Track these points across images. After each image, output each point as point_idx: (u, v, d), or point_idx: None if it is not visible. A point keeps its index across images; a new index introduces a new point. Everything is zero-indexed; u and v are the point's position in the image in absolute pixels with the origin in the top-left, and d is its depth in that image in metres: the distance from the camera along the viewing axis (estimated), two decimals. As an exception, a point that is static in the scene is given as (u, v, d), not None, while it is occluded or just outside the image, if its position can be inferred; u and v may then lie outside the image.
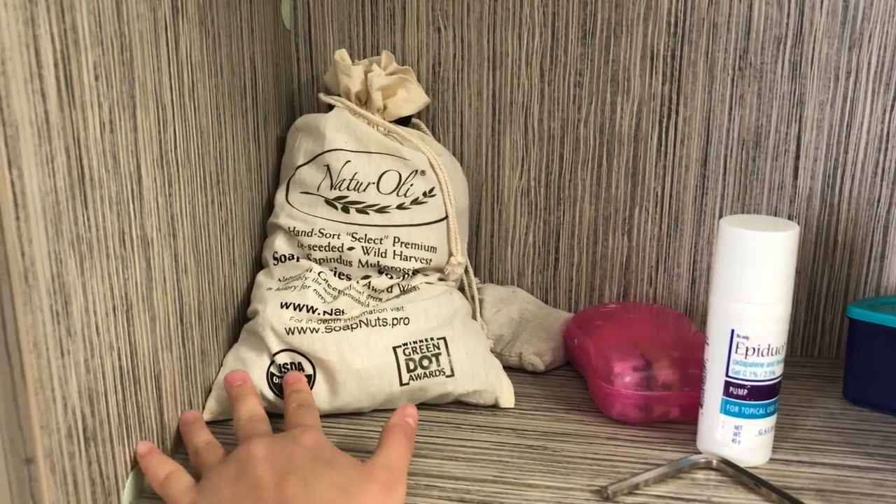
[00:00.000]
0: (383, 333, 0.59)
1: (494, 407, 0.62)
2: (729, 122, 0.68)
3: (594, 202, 0.72)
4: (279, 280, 0.63)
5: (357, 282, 0.63)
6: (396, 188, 0.63)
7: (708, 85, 0.68)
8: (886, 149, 0.67)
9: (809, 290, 0.71)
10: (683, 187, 0.70)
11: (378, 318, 0.59)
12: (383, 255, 0.63)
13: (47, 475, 0.41)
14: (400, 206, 0.63)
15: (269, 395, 0.58)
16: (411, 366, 0.59)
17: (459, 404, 0.62)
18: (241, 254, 0.63)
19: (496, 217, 0.74)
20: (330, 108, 0.66)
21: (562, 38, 0.69)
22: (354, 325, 0.59)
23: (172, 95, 0.52)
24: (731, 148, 0.69)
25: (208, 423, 0.59)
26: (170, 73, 0.51)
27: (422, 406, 0.61)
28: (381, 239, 0.63)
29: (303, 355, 0.58)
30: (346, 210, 0.63)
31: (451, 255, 0.65)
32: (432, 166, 0.64)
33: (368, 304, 0.61)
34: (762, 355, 0.52)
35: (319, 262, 0.63)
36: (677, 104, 0.69)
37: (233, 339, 0.63)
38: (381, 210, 0.63)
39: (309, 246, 0.63)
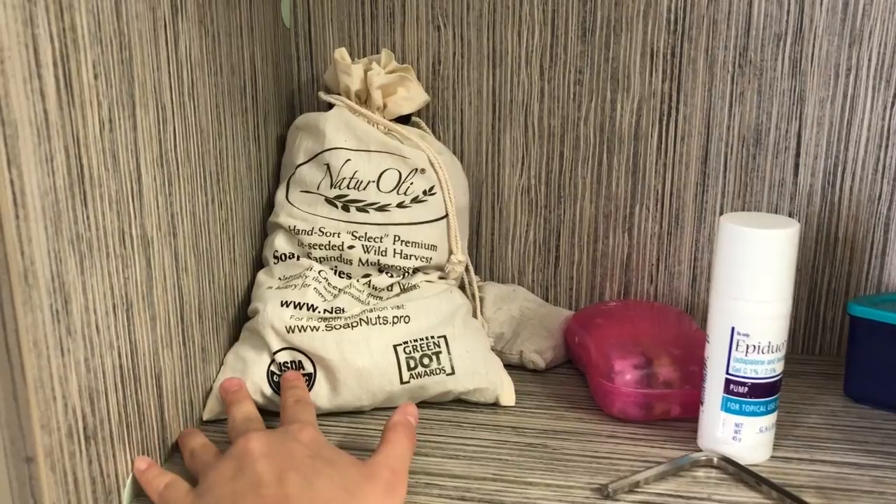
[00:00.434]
0: (384, 332, 0.59)
1: (495, 405, 0.62)
2: (729, 119, 0.68)
3: (594, 200, 0.72)
4: (279, 279, 0.63)
5: (357, 280, 0.63)
6: (396, 186, 0.63)
7: (708, 82, 0.68)
8: (887, 146, 0.67)
9: (810, 287, 0.71)
10: (684, 185, 0.70)
11: (378, 317, 0.59)
12: (383, 253, 0.63)
13: (47, 474, 0.41)
14: (400, 205, 0.63)
15: (270, 393, 0.58)
16: (412, 364, 0.59)
17: (460, 402, 0.62)
18: (241, 252, 0.63)
19: (497, 215, 0.74)
20: (330, 106, 0.66)
21: (561, 36, 0.69)
22: (355, 324, 0.59)
23: (172, 94, 0.52)
24: (731, 145, 0.69)
25: (209, 422, 0.59)
26: (169, 72, 0.51)
27: (422, 404, 0.61)
28: (382, 237, 0.63)
29: (303, 354, 0.58)
30: (346, 209, 0.63)
31: (451, 253, 0.65)
32: (432, 164, 0.64)
33: (369, 303, 0.61)
34: (763, 353, 0.52)
35: (320, 260, 0.63)
36: (677, 102, 0.69)
37: (233, 337, 0.63)
38: (382, 208, 0.63)
39: (309, 244, 0.63)
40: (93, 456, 0.45)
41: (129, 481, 0.49)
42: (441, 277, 0.65)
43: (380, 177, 0.63)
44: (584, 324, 0.66)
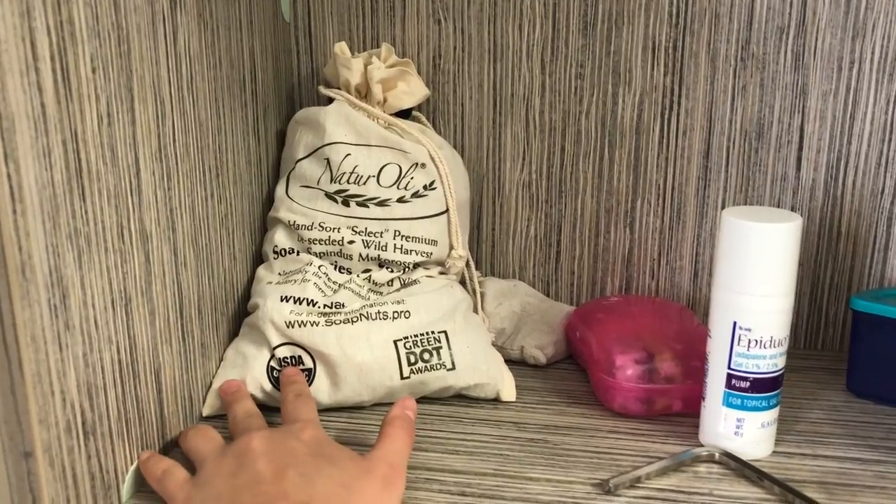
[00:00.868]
0: (384, 327, 0.59)
1: (496, 400, 0.62)
2: (731, 113, 0.68)
3: (596, 195, 0.72)
4: (279, 274, 0.62)
5: (357, 275, 0.63)
6: (397, 181, 0.63)
7: (710, 76, 0.67)
8: (890, 139, 0.66)
9: (813, 281, 0.71)
10: (685, 179, 0.70)
11: (378, 312, 0.59)
12: (384, 248, 0.62)
13: (46, 469, 0.41)
14: (400, 200, 0.63)
15: (270, 388, 0.58)
16: (412, 359, 0.59)
17: (461, 398, 0.62)
18: (241, 248, 0.63)
19: (497, 210, 0.73)
20: (330, 101, 0.65)
21: (563, 30, 0.68)
22: (355, 319, 0.59)
23: (171, 88, 0.51)
24: (733, 139, 0.68)
25: (208, 418, 0.59)
26: (168, 66, 0.51)
27: (423, 400, 0.61)
28: (382, 232, 0.62)
29: (303, 349, 0.58)
30: (346, 203, 0.62)
31: (451, 248, 0.65)
32: (433, 159, 0.63)
33: (369, 298, 0.61)
34: (764, 347, 0.52)
35: (320, 255, 0.63)
36: (679, 95, 0.68)
37: (233, 333, 0.63)
38: (382, 203, 0.63)
39: (309, 240, 0.63)
40: (92, 451, 0.45)
41: (128, 476, 0.49)
42: (442, 273, 0.65)
43: (380, 171, 0.63)
44: (585, 319, 0.66)
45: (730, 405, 0.54)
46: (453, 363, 0.59)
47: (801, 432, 0.58)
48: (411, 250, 0.63)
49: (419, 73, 0.71)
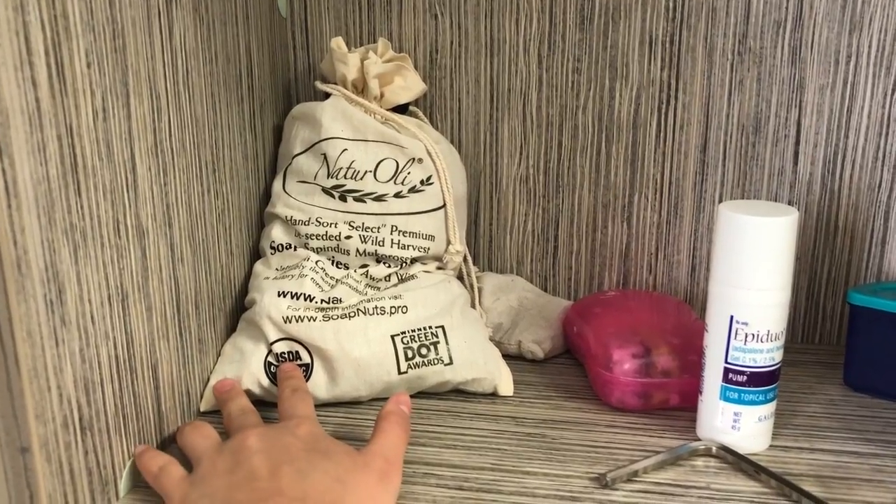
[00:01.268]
0: (381, 322, 0.59)
1: (493, 395, 0.62)
2: (728, 107, 0.68)
3: (593, 189, 0.72)
4: (276, 269, 0.62)
5: (355, 271, 0.63)
6: (394, 176, 0.63)
7: (707, 70, 0.67)
8: (887, 133, 0.66)
9: (810, 276, 0.71)
10: (683, 174, 0.70)
11: (376, 307, 0.59)
12: (381, 243, 0.62)
13: (43, 465, 0.41)
14: (397, 195, 0.63)
15: (267, 384, 0.58)
16: (409, 354, 0.59)
17: (458, 392, 0.62)
18: (238, 243, 0.63)
19: (495, 205, 0.73)
20: (326, 96, 0.65)
21: (560, 24, 0.68)
22: (352, 314, 0.58)
23: (166, 83, 0.51)
24: (730, 133, 0.68)
25: (205, 414, 0.59)
26: (164, 61, 0.51)
27: (420, 395, 0.61)
28: (379, 227, 0.62)
29: (301, 344, 0.58)
30: (343, 199, 0.62)
31: (449, 243, 0.65)
32: (430, 154, 0.63)
33: (366, 293, 0.61)
34: (761, 341, 0.52)
35: (317, 251, 0.63)
36: (676, 90, 0.68)
37: (231, 328, 0.63)
38: (379, 198, 0.63)
39: (306, 235, 0.63)
40: (89, 447, 0.45)
41: (125, 472, 0.49)
42: (439, 268, 0.65)
43: (377, 166, 0.63)
44: (582, 313, 0.66)
45: (727, 399, 0.54)
46: (451, 358, 0.59)
47: (799, 426, 0.58)
48: (408, 245, 0.63)
49: (416, 67, 0.71)
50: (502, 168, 0.72)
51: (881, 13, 0.64)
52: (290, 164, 0.65)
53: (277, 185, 0.65)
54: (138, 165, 0.48)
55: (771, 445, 0.55)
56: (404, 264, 0.63)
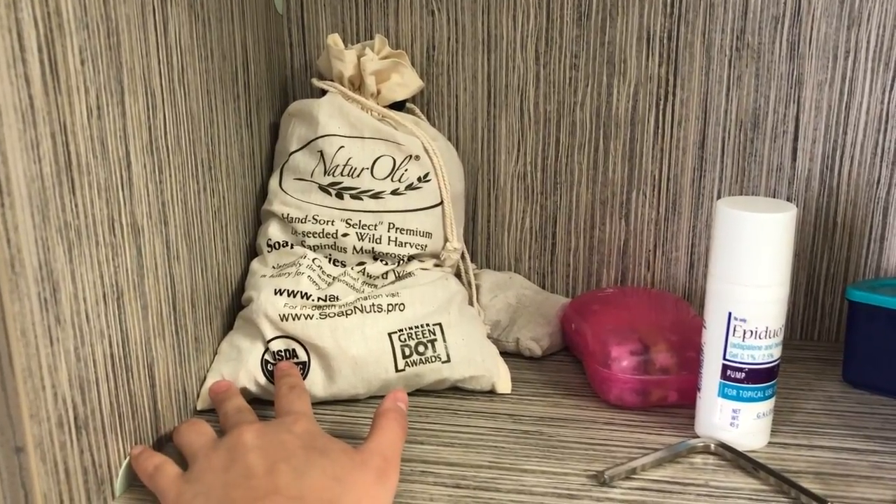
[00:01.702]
0: (378, 319, 0.58)
1: (491, 393, 0.62)
2: (726, 103, 0.68)
3: (591, 186, 0.71)
4: (273, 267, 0.62)
5: (352, 268, 0.62)
6: (391, 173, 0.63)
7: (705, 66, 0.67)
8: (886, 129, 0.66)
9: (809, 272, 0.71)
10: (681, 170, 0.70)
11: (373, 304, 0.59)
12: (378, 241, 0.62)
13: (38, 464, 0.41)
14: (394, 192, 0.63)
15: (264, 382, 0.58)
16: (407, 352, 0.58)
17: (456, 390, 0.62)
18: (234, 241, 0.63)
19: (492, 202, 0.73)
20: (323, 93, 0.65)
21: (557, 20, 0.68)
22: (349, 312, 0.58)
23: (161, 80, 0.51)
24: (728, 130, 0.68)
25: (202, 412, 0.58)
26: (158, 58, 0.51)
27: (418, 392, 0.61)
28: (376, 225, 0.62)
29: (297, 342, 0.58)
30: (339, 196, 0.62)
31: (446, 240, 0.64)
32: (427, 151, 0.63)
33: (363, 291, 0.61)
34: (760, 338, 0.52)
35: (314, 248, 0.63)
36: (674, 86, 0.68)
37: (227, 326, 0.62)
38: (376, 196, 0.62)
39: (303, 233, 0.62)
40: (84, 446, 0.45)
41: (121, 471, 0.49)
42: (437, 265, 0.65)
43: (374, 164, 0.62)
44: (580, 311, 0.65)
45: (725, 396, 0.53)
46: (448, 356, 0.59)
47: (797, 423, 0.58)
48: (406, 243, 0.63)
49: (413, 64, 0.70)
50: (500, 165, 0.72)
51: (879, 8, 0.64)
52: (286, 161, 0.64)
53: (274, 182, 0.64)
54: (133, 163, 0.48)
55: (770, 442, 0.55)
56: (401, 262, 0.63)
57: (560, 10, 0.68)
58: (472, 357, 0.60)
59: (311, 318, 0.58)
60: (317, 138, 0.63)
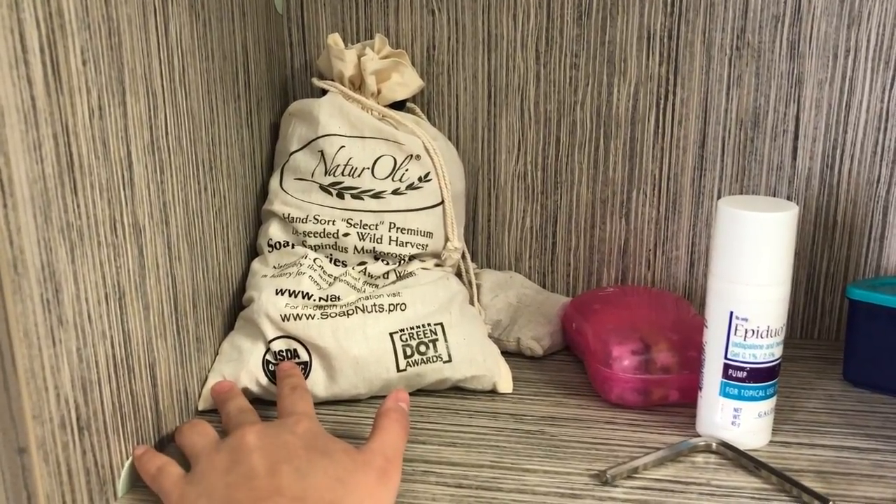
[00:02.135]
0: (379, 319, 0.58)
1: (493, 392, 0.62)
2: (727, 102, 0.68)
3: (591, 185, 0.71)
4: (274, 267, 0.62)
5: (353, 268, 0.62)
6: (391, 173, 0.63)
7: (705, 65, 0.67)
8: (886, 128, 0.66)
9: (809, 271, 0.71)
10: (681, 169, 0.70)
11: (374, 304, 0.59)
12: (379, 240, 0.62)
13: (40, 465, 0.41)
14: (395, 192, 0.63)
15: (265, 382, 0.58)
16: (408, 352, 0.58)
17: (457, 390, 0.62)
18: (235, 241, 0.63)
19: (493, 201, 0.73)
20: (323, 93, 0.65)
21: (557, 20, 0.68)
22: (350, 312, 0.58)
23: (162, 81, 0.51)
24: (728, 129, 0.68)
25: (203, 413, 0.58)
26: (160, 58, 0.50)
27: (419, 392, 0.61)
28: (377, 225, 0.62)
29: (298, 342, 0.58)
30: (340, 196, 0.62)
31: (447, 240, 0.64)
32: (427, 151, 0.63)
33: (364, 291, 0.61)
34: (761, 337, 0.52)
35: (315, 248, 0.63)
36: (674, 85, 0.68)
37: (228, 326, 0.62)
38: (377, 195, 0.62)
39: (304, 232, 0.62)
40: (87, 446, 0.45)
41: (124, 471, 0.49)
42: (437, 265, 0.65)
43: (374, 163, 0.62)
44: (581, 310, 0.65)
45: (727, 395, 0.54)
46: (449, 355, 0.59)
47: (798, 421, 0.58)
48: (407, 242, 0.63)
49: (413, 64, 0.70)
50: (500, 164, 0.72)
51: (879, 7, 0.64)
52: (287, 161, 0.64)
53: (274, 182, 0.64)
54: (135, 163, 0.48)
55: (771, 441, 0.55)
56: (402, 261, 0.63)
57: (560, 10, 0.68)
58: (474, 357, 0.60)
59: (312, 319, 0.58)
60: (317, 138, 0.63)
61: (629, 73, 0.68)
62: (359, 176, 0.62)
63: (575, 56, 0.69)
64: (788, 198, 0.69)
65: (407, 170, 0.63)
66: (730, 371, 0.53)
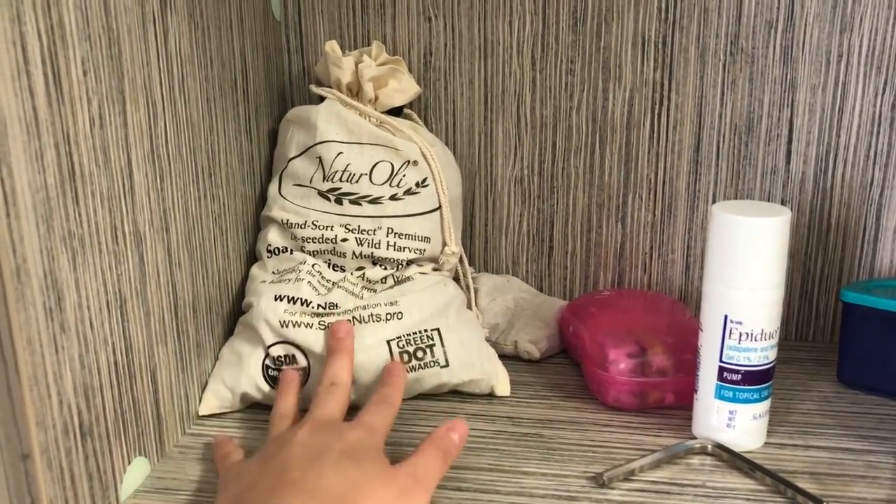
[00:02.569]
0: (377, 329, 0.59)
1: (490, 396, 0.62)
2: (721, 107, 0.68)
3: (587, 190, 0.72)
4: (273, 273, 0.63)
5: (351, 273, 0.63)
6: (389, 179, 0.63)
7: (699, 70, 0.68)
8: (878, 132, 0.67)
9: (803, 274, 0.71)
10: (676, 174, 0.70)
11: (371, 314, 0.59)
12: (377, 246, 0.63)
13: (44, 471, 0.41)
14: (393, 197, 0.63)
15: (265, 387, 0.58)
16: (405, 358, 0.59)
17: (455, 394, 0.62)
18: (234, 247, 0.63)
19: (490, 206, 0.74)
20: (321, 99, 0.65)
21: (553, 26, 0.69)
22: (348, 321, 0.59)
23: (162, 90, 0.51)
24: (723, 133, 0.69)
25: (205, 417, 0.59)
26: (159, 67, 0.51)
27: (418, 397, 0.62)
28: (375, 230, 0.63)
29: (297, 347, 0.58)
30: (339, 202, 0.63)
31: (445, 244, 0.65)
32: (424, 156, 0.64)
33: (363, 296, 0.61)
34: (756, 340, 0.53)
35: (313, 254, 0.63)
36: (669, 90, 0.69)
37: (228, 332, 0.63)
38: (374, 201, 0.63)
39: (302, 238, 0.63)
40: (89, 452, 0.45)
41: (125, 476, 0.49)
42: (435, 269, 0.65)
43: (372, 169, 0.63)
44: (578, 313, 0.66)
45: (722, 398, 0.54)
46: (447, 360, 0.60)
47: (793, 423, 0.59)
48: (404, 247, 0.63)
49: (410, 70, 0.71)
50: (497, 169, 0.73)
51: (871, 13, 0.64)
52: (285, 167, 0.65)
53: (273, 188, 0.65)
54: (135, 172, 0.49)
55: (766, 443, 0.56)
56: (400, 266, 0.63)
57: (556, 16, 0.68)
58: (471, 361, 0.61)
59: (310, 328, 0.58)
60: (315, 144, 0.63)
61: (624, 79, 0.69)
62: (357, 182, 0.63)
63: (570, 62, 0.69)
64: (782, 201, 0.70)
65: (404, 175, 0.63)
66: (725, 374, 0.54)
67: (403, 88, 0.65)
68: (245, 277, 0.65)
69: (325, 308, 0.59)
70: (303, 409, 0.56)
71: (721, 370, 0.54)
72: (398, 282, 0.63)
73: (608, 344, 0.60)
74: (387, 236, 0.63)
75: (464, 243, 0.74)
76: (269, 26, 0.69)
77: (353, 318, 0.59)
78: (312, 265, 0.62)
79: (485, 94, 0.71)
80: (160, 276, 0.52)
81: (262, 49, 0.68)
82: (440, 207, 0.64)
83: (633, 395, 0.59)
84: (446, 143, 0.72)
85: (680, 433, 0.57)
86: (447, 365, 0.60)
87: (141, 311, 0.50)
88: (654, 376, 0.59)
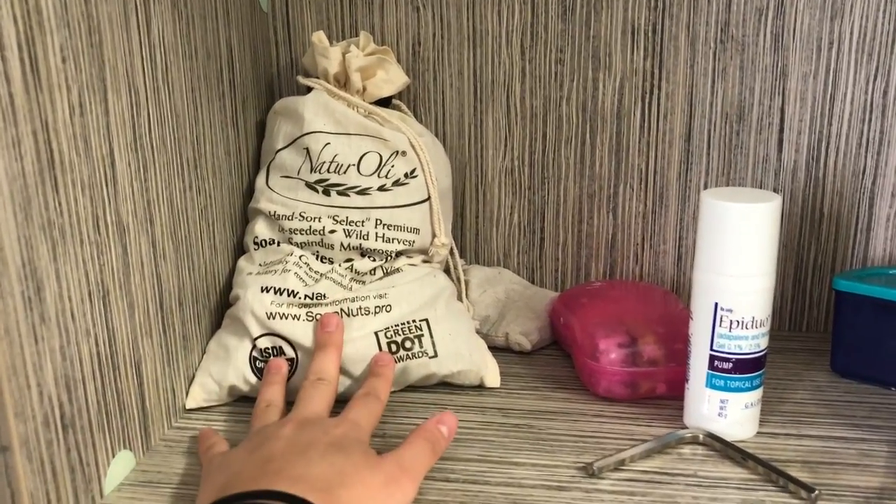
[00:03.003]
0: (365, 322, 0.58)
1: (480, 387, 0.62)
2: (712, 95, 0.68)
3: (578, 180, 0.71)
4: (260, 265, 0.62)
5: (339, 265, 0.62)
6: (377, 170, 0.63)
7: (690, 59, 0.67)
8: (870, 119, 0.66)
9: (796, 263, 0.71)
10: (667, 163, 0.70)
11: (360, 308, 0.59)
12: (365, 237, 0.62)
13: (24, 463, 0.41)
14: (381, 188, 0.63)
15: (252, 379, 0.58)
16: (393, 348, 0.58)
17: (445, 385, 0.62)
18: (221, 239, 0.63)
19: (481, 197, 0.73)
20: (309, 90, 0.65)
21: (542, 15, 0.68)
22: (336, 312, 0.58)
23: (145, 79, 0.51)
24: (714, 122, 0.68)
25: (192, 411, 0.58)
26: (142, 56, 0.50)
27: (407, 388, 0.61)
28: (363, 221, 0.62)
29: (284, 339, 0.58)
30: (326, 193, 0.62)
31: (434, 236, 0.64)
32: (413, 147, 0.63)
33: (351, 288, 0.61)
34: (746, 328, 0.52)
35: (301, 245, 0.62)
36: (659, 79, 0.68)
37: (216, 325, 0.62)
38: (363, 192, 0.62)
39: (290, 230, 0.62)
40: (71, 444, 0.45)
41: (109, 469, 0.49)
42: (425, 261, 0.65)
43: (360, 160, 0.62)
44: (568, 304, 0.65)
45: (713, 387, 0.54)
46: (435, 351, 0.59)
47: (786, 413, 0.58)
48: (393, 239, 0.63)
49: (398, 60, 0.70)
50: (487, 160, 0.72)
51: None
52: (272, 159, 0.64)
53: (260, 180, 0.64)
54: (117, 161, 0.48)
55: (759, 432, 0.55)
56: (389, 258, 0.63)
57: (545, 5, 0.68)
58: (460, 352, 0.60)
59: (297, 319, 0.57)
60: (303, 135, 0.63)
61: (614, 68, 0.68)
62: (344, 173, 0.62)
63: (560, 51, 0.69)
64: (775, 190, 0.69)
65: (393, 166, 0.63)
66: (716, 362, 0.53)
67: (391, 79, 0.65)
68: (232, 270, 0.64)
69: (312, 298, 0.59)
70: (289, 402, 0.55)
71: (712, 359, 0.53)
72: (387, 273, 0.62)
73: (598, 334, 0.59)
74: (375, 227, 0.62)
75: (455, 235, 0.74)
76: (257, 17, 0.69)
77: (342, 310, 0.58)
78: (300, 257, 0.61)
79: (474, 85, 0.70)
80: (144, 267, 0.51)
81: (249, 40, 0.67)
82: (429, 198, 0.64)
83: (624, 385, 0.59)
84: (436, 134, 0.71)
85: (671, 423, 0.57)
86: (436, 355, 0.59)
87: (125, 303, 0.49)
88: (645, 366, 0.58)
